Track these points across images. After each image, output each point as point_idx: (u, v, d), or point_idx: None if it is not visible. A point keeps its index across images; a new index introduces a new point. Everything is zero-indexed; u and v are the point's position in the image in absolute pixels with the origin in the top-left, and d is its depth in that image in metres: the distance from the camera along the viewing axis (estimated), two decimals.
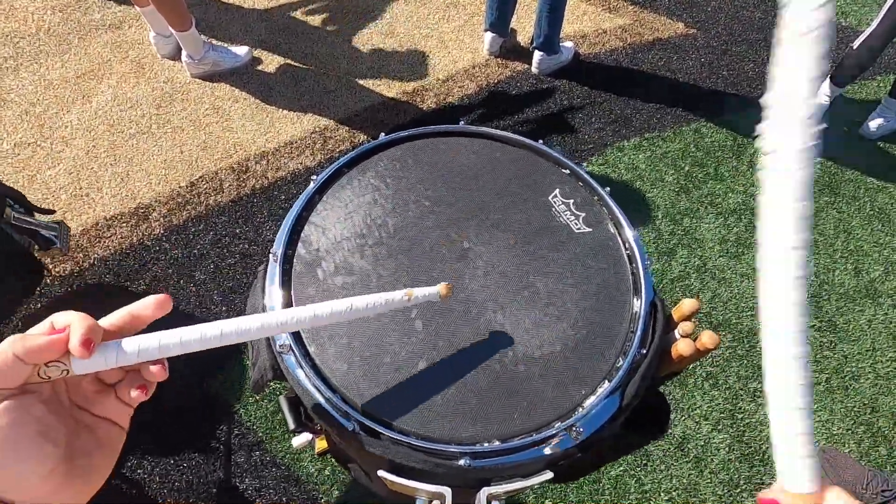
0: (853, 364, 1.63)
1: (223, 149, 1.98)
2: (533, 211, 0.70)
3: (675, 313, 0.62)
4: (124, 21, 2.33)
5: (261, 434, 1.44)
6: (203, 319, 1.51)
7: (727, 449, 1.48)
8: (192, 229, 1.78)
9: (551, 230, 0.68)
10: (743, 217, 1.92)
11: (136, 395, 0.37)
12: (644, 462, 1.44)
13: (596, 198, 0.73)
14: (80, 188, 1.86)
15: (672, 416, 1.52)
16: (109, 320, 0.37)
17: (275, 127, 2.05)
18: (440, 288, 0.51)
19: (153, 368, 0.36)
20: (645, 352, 0.60)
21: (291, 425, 0.65)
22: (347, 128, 2.06)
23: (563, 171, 0.75)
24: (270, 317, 0.41)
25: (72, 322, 0.33)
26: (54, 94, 2.09)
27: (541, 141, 0.77)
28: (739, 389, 1.57)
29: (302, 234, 0.66)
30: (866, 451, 1.49)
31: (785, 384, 0.36)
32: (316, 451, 0.71)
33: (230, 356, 1.54)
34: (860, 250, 1.86)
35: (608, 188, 0.74)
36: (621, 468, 1.43)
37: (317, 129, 2.05)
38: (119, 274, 1.68)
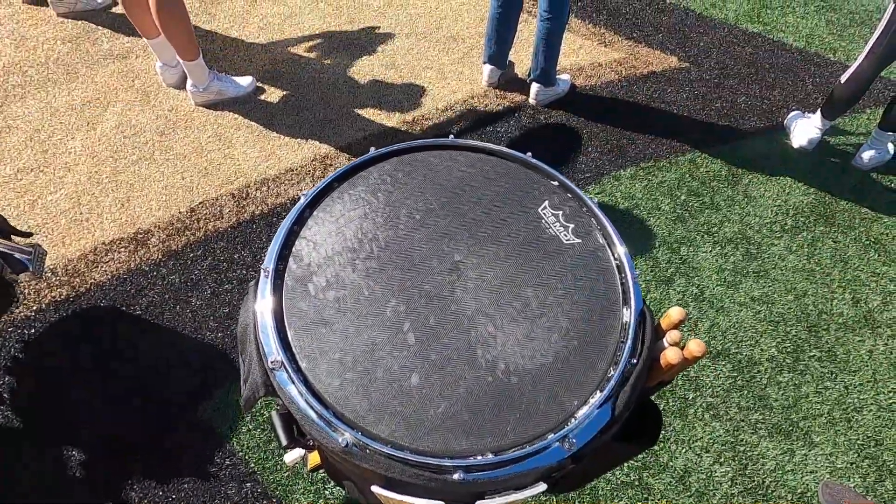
0: (855, 395, 1.61)
1: (224, 175, 2.00)
2: (522, 223, 0.71)
3: (663, 322, 0.63)
4: (131, 51, 2.39)
5: (252, 465, 1.41)
6: (198, 345, 1.50)
7: (729, 483, 1.44)
8: (191, 255, 1.78)
9: (541, 242, 0.69)
10: (739, 246, 1.93)
11: None
12: (645, 496, 1.41)
13: (584, 209, 0.73)
14: (81, 213, 1.87)
15: (673, 448, 1.49)
16: None
17: (276, 154, 2.08)
18: None
19: None
20: (635, 361, 0.60)
21: (284, 441, 0.64)
22: (347, 155, 2.09)
23: (552, 182, 0.76)
24: None
25: None
26: (59, 120, 2.12)
27: (530, 154, 0.78)
28: (741, 421, 1.54)
29: (293, 250, 0.66)
30: (872, 486, 1.46)
31: None
32: (308, 466, 0.70)
33: (222, 382, 1.52)
34: (857, 280, 1.87)
35: (596, 199, 0.75)
36: (622, 502, 1.39)
37: (317, 157, 2.08)
38: (115, 299, 1.67)
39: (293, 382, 0.56)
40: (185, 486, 1.37)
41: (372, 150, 0.76)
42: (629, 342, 0.61)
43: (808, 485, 1.45)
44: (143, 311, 1.65)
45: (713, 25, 2.74)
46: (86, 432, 1.44)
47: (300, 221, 0.69)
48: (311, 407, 0.55)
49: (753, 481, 1.45)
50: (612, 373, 0.59)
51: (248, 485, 1.38)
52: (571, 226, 0.71)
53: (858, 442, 1.53)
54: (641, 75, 2.48)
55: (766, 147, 2.25)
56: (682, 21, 2.75)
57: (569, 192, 0.75)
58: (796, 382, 1.63)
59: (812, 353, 1.69)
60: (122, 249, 1.79)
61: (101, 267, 1.74)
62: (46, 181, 1.94)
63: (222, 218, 1.88)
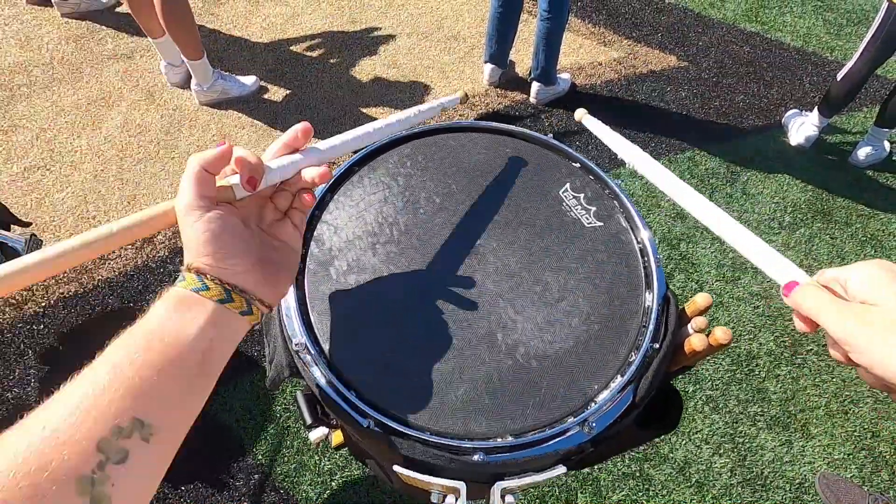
0: (852, 389, 1.64)
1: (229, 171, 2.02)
2: (543, 206, 0.69)
3: (689, 308, 0.62)
4: (136, 51, 2.41)
5: (260, 457, 1.43)
6: None
7: (729, 473, 1.47)
8: None
9: (562, 225, 0.68)
10: None
11: (306, 199, 0.47)
12: (646, 487, 1.43)
13: (607, 191, 0.71)
14: (87, 211, 1.89)
15: (673, 440, 1.51)
16: (268, 154, 0.47)
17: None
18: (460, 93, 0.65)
19: (313, 173, 0.46)
20: (658, 346, 0.59)
21: (308, 420, 0.65)
22: (349, 155, 2.11)
23: (574, 164, 0.74)
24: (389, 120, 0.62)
25: (239, 154, 0.42)
26: (65, 120, 2.14)
27: (550, 135, 0.77)
28: (740, 413, 1.57)
29: (315, 234, 0.66)
30: (868, 477, 1.48)
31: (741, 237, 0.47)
32: (332, 444, 0.71)
33: (230, 379, 1.54)
34: None
35: (619, 181, 0.73)
36: (623, 493, 1.42)
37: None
38: (122, 296, 1.70)
39: (316, 364, 0.57)
40: (193, 478, 1.39)
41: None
42: (651, 326, 0.60)
43: (805, 475, 1.48)
44: None
45: (712, 25, 2.77)
46: None
47: (321, 205, 0.69)
48: (335, 388, 0.55)
49: (752, 472, 1.47)
50: (634, 357, 0.59)
51: (256, 476, 1.40)
52: (593, 209, 0.69)
53: (855, 434, 1.55)
54: (641, 74, 2.51)
55: (764, 145, 2.28)
56: (681, 20, 2.78)
57: (591, 174, 0.73)
58: (794, 376, 1.65)
59: (810, 348, 1.71)
60: (129, 246, 1.81)
61: (109, 264, 1.76)
62: (53, 179, 1.96)
63: None
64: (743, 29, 2.76)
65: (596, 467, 1.45)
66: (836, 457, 1.51)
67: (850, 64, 2.00)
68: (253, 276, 0.42)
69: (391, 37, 2.57)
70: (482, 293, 0.62)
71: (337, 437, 0.70)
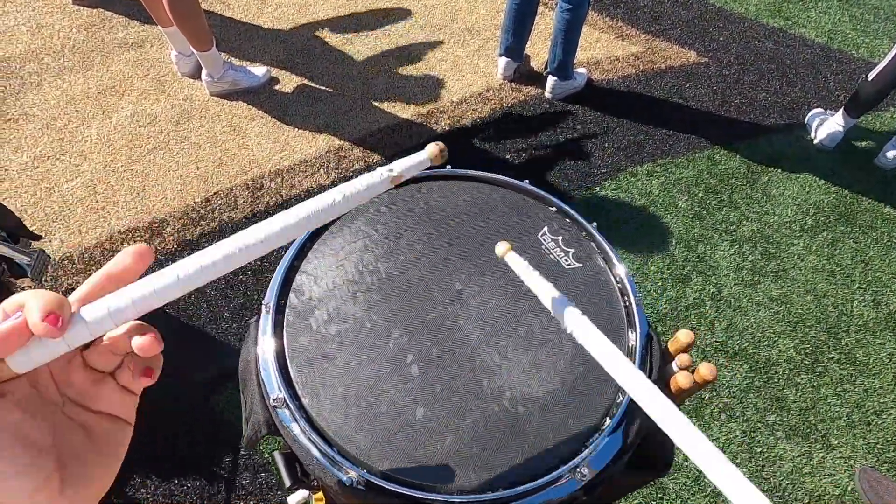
0: (874, 399, 1.59)
1: (238, 166, 2.00)
2: (523, 250, 0.70)
3: (672, 346, 0.62)
4: (146, 40, 2.39)
5: (266, 456, 1.41)
6: (214, 335, 1.49)
7: None
8: (205, 244, 1.78)
9: (542, 268, 0.68)
10: (758, 245, 1.90)
11: (142, 382, 0.31)
12: (660, 496, 1.40)
13: (584, 233, 0.73)
14: (97, 201, 1.87)
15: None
16: (81, 291, 0.29)
17: (290, 145, 2.07)
18: (430, 150, 0.41)
19: (141, 342, 0.29)
20: None
21: (287, 482, 0.63)
22: (362, 148, 2.08)
23: (550, 208, 0.76)
24: (249, 233, 0.34)
25: (25, 301, 0.26)
26: (75, 109, 2.13)
27: (527, 181, 0.79)
28: (757, 422, 1.52)
29: (294, 284, 0.65)
30: None
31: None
32: None
33: (235, 373, 1.51)
34: (879, 281, 1.83)
35: (595, 223, 0.75)
36: (637, 502, 1.38)
37: (331, 149, 2.07)
38: None
39: (296, 420, 0.54)
40: (199, 476, 1.38)
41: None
42: (637, 366, 0.60)
43: (825, 487, 1.43)
44: None
45: (733, 20, 2.69)
46: None
47: (300, 255, 0.68)
48: (315, 444, 0.53)
49: (770, 483, 1.43)
50: (621, 398, 0.58)
51: (262, 475, 1.38)
52: (571, 250, 0.71)
53: (878, 446, 1.50)
54: (659, 70, 2.44)
55: (787, 145, 2.21)
56: (702, 15, 2.70)
57: (567, 217, 0.75)
58: (815, 384, 1.60)
59: (831, 355, 1.66)
60: (138, 238, 1.79)
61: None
62: (63, 169, 1.95)
63: (237, 208, 1.88)
64: (766, 24, 2.68)
65: None
66: (858, 470, 1.47)
67: (882, 63, 1.93)
68: (43, 496, 0.28)
69: (404, 28, 2.52)
70: (466, 338, 0.62)
71: (318, 499, 0.68)
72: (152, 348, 0.29)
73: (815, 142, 2.20)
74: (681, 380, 0.56)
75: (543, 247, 0.71)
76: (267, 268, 1.74)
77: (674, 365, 0.60)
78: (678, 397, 0.59)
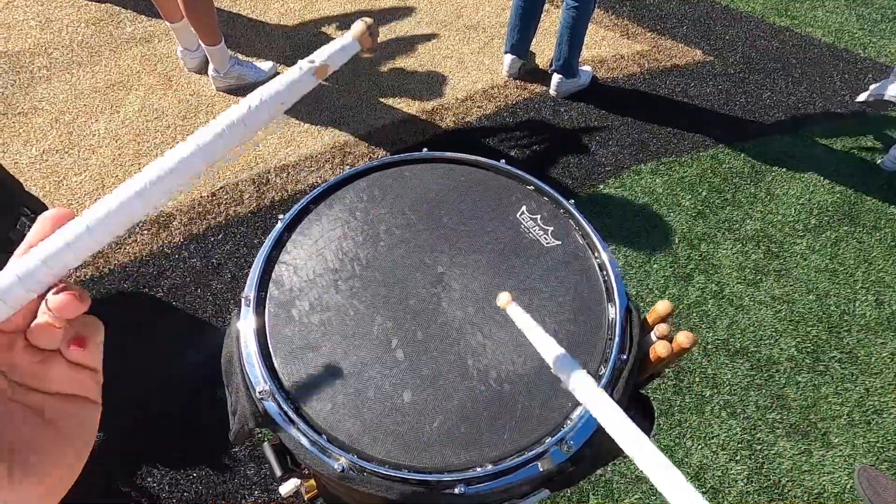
0: (875, 398, 1.59)
1: (245, 161, 2.01)
2: (502, 230, 0.71)
3: (650, 316, 0.63)
4: (154, 35, 2.40)
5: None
6: (221, 328, 1.50)
7: (745, 480, 1.44)
8: (212, 239, 1.80)
9: (522, 247, 0.69)
10: (761, 244, 1.90)
11: (73, 352, 0.28)
12: (660, 496, 1.41)
13: (562, 211, 0.74)
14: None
15: (689, 444, 1.48)
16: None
17: (295, 141, 2.09)
18: (355, 28, 0.34)
19: (56, 300, 0.26)
20: (625, 357, 0.60)
21: (278, 473, 0.64)
22: (367, 144, 2.09)
23: (528, 187, 0.76)
24: (159, 162, 0.29)
25: None
26: (84, 103, 2.14)
27: (503, 161, 0.79)
28: (758, 420, 1.53)
29: (273, 275, 0.66)
30: None
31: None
32: (306, 497, 0.70)
33: None
34: (881, 281, 1.84)
35: (573, 200, 0.75)
36: (636, 496, 1.39)
37: (336, 145, 2.08)
38: (138, 281, 1.70)
39: (283, 411, 0.55)
40: (204, 466, 1.40)
41: (347, 168, 0.77)
42: (617, 339, 0.61)
43: (824, 485, 1.44)
44: (165, 294, 1.67)
45: (739, 18, 2.69)
46: (105, 412, 1.46)
47: (279, 246, 0.68)
48: (304, 434, 0.54)
49: (769, 480, 1.44)
50: (603, 371, 0.59)
51: (266, 466, 1.40)
52: (550, 228, 0.71)
53: (878, 445, 1.51)
54: (664, 68, 2.44)
55: (791, 144, 2.21)
56: (708, 13, 2.70)
57: (545, 196, 0.75)
58: (815, 383, 1.61)
59: (833, 354, 1.67)
60: (145, 231, 1.81)
61: (125, 248, 1.77)
62: (71, 162, 1.97)
63: (243, 203, 1.90)
64: (772, 23, 2.67)
65: (609, 470, 1.43)
66: (858, 467, 1.47)
67: None
68: None
69: (409, 25, 2.53)
70: (449, 321, 0.62)
71: (310, 486, 0.69)
72: (69, 307, 0.26)
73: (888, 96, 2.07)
74: (660, 349, 0.57)
75: (523, 226, 0.71)
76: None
77: (652, 335, 0.61)
78: (659, 365, 0.60)
